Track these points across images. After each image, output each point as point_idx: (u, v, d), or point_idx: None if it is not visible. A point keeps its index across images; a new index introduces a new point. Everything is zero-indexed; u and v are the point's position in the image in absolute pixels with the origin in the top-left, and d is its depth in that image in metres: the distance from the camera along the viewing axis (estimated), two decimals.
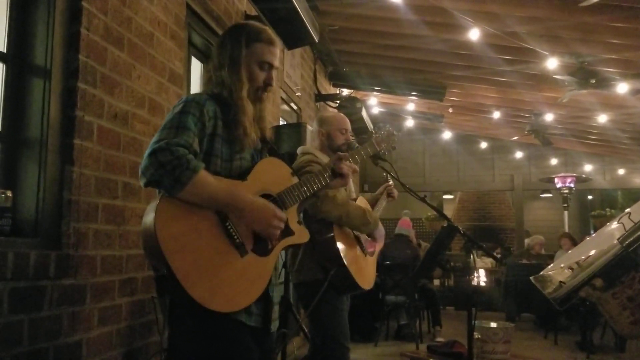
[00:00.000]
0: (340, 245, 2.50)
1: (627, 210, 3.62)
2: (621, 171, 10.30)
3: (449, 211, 14.33)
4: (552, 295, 3.58)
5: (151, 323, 2.70)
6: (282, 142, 3.98)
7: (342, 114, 2.98)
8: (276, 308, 1.77)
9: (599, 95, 6.41)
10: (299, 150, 2.84)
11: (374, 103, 8.36)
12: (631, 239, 3.25)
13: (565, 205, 9.64)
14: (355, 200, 2.73)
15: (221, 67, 1.72)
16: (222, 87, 1.70)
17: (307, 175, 1.87)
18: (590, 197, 14.91)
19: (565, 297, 3.51)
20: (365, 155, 2.35)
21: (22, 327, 1.89)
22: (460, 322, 6.76)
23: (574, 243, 7.43)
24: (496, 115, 8.18)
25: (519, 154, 10.37)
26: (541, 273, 3.91)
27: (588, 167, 10.24)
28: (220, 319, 1.52)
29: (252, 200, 1.59)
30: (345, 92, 7.35)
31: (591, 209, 13.85)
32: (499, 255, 9.38)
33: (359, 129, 7.04)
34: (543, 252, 8.43)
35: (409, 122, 9.47)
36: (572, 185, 9.50)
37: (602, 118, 7.48)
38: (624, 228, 3.35)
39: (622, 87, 5.67)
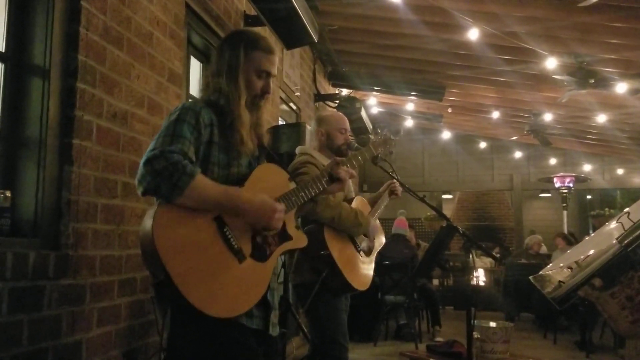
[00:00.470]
0: (332, 246, 2.46)
1: (626, 209, 3.63)
2: (620, 171, 10.31)
3: (448, 211, 14.34)
4: (552, 294, 3.58)
5: (150, 323, 2.70)
6: (281, 142, 3.97)
7: (341, 114, 2.97)
8: (276, 312, 1.77)
9: (598, 95, 6.40)
10: (298, 150, 2.84)
11: (373, 103, 8.36)
12: (630, 238, 3.26)
13: (565, 205, 9.63)
14: (352, 200, 2.72)
15: (219, 74, 1.71)
16: (220, 95, 1.70)
17: (305, 180, 1.87)
18: (589, 197, 14.93)
19: (564, 296, 3.52)
20: (362, 160, 2.37)
21: (22, 327, 1.89)
22: (460, 321, 6.73)
23: (568, 242, 7.50)
24: (495, 115, 8.18)
25: (518, 154, 10.37)
26: (540, 273, 3.92)
27: (587, 167, 10.25)
28: (220, 321, 1.51)
29: (251, 197, 1.59)
30: (345, 92, 7.35)
31: (590, 208, 13.85)
32: (498, 255, 9.40)
33: (358, 129, 7.05)
34: (542, 251, 8.44)
35: (408, 122, 9.47)
36: (571, 185, 9.49)
37: (601, 118, 7.48)
38: (623, 228, 3.36)
39: (621, 87, 5.66)
